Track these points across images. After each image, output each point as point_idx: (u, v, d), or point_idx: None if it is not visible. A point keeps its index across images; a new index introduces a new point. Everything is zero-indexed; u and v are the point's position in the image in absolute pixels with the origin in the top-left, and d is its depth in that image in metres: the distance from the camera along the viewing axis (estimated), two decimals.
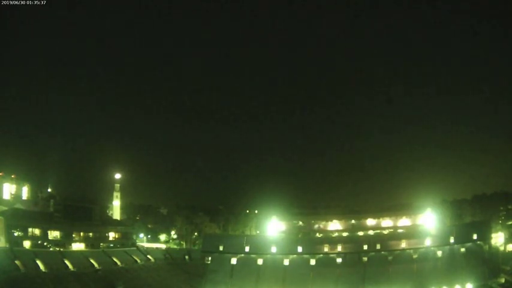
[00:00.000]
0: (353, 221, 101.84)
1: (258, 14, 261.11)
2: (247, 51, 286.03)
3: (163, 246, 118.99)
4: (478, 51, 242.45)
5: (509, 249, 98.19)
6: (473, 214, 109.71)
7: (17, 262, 74.07)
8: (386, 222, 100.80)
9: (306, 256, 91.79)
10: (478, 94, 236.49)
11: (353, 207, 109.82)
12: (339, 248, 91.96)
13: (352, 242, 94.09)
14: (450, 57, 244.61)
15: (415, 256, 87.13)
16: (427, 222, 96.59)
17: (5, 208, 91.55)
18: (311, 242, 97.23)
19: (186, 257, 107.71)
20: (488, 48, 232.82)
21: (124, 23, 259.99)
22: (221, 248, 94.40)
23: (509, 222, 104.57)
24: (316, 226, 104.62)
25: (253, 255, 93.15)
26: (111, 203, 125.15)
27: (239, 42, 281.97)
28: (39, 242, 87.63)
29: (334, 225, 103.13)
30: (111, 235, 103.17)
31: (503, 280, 78.87)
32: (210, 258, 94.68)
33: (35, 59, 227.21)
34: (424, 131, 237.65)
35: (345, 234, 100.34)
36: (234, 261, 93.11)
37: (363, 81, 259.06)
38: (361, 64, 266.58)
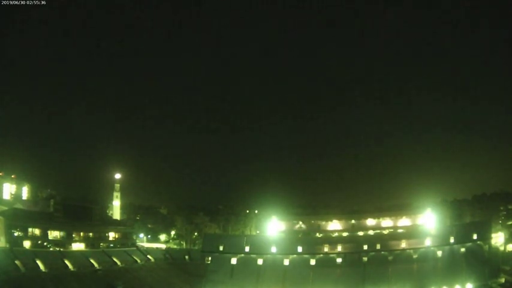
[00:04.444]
0: (353, 221, 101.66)
1: (258, 17, 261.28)
2: (248, 55, 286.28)
3: (163, 246, 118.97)
4: (478, 53, 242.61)
5: (509, 249, 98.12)
6: (473, 214, 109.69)
7: (17, 262, 74.00)
8: (386, 222, 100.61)
9: (306, 256, 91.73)
10: (478, 95, 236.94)
11: (353, 207, 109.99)
12: (339, 248, 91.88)
13: (352, 242, 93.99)
14: (450, 59, 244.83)
15: (415, 256, 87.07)
16: (427, 222, 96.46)
17: (5, 208, 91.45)
18: (311, 242, 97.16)
19: (186, 257, 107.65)
20: (488, 51, 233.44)
21: (124, 25, 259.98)
22: (221, 248, 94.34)
23: (509, 222, 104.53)
24: (316, 226, 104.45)
25: (253, 255, 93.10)
26: (111, 203, 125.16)
27: (240, 46, 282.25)
28: (39, 242, 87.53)
29: (334, 225, 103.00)
30: (111, 235, 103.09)
31: (503, 280, 78.77)
32: (210, 258, 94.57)
33: (36, 60, 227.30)
34: (424, 132, 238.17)
35: (345, 234, 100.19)
36: (234, 261, 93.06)
37: (362, 83, 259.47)
38: (360, 67, 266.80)
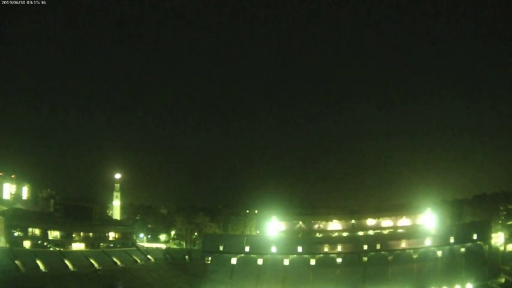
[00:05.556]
0: (353, 221, 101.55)
1: (259, 18, 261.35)
2: (249, 55, 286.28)
3: (163, 246, 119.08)
4: (479, 53, 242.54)
5: (509, 249, 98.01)
6: (473, 214, 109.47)
7: (17, 262, 74.16)
8: (386, 222, 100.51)
9: (306, 256, 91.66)
10: (478, 96, 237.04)
11: (353, 207, 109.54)
12: (339, 248, 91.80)
13: (352, 242, 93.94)
14: (450, 60, 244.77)
15: (415, 256, 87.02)
16: (427, 222, 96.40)
17: (5, 208, 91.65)
18: (311, 242, 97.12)
19: (186, 257, 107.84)
20: (488, 51, 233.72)
21: (125, 25, 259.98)
22: (221, 248, 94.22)
23: (509, 222, 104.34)
24: (316, 226, 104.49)
25: (253, 255, 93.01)
26: (111, 203, 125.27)
27: (240, 46, 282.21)
28: (39, 242, 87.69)
29: (334, 225, 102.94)
30: (111, 235, 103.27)
31: (503, 280, 78.72)
32: (210, 258, 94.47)
33: (36, 59, 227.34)
34: (424, 132, 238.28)
35: (345, 234, 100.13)
36: (234, 261, 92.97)
37: (363, 83, 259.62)
38: (360, 67, 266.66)
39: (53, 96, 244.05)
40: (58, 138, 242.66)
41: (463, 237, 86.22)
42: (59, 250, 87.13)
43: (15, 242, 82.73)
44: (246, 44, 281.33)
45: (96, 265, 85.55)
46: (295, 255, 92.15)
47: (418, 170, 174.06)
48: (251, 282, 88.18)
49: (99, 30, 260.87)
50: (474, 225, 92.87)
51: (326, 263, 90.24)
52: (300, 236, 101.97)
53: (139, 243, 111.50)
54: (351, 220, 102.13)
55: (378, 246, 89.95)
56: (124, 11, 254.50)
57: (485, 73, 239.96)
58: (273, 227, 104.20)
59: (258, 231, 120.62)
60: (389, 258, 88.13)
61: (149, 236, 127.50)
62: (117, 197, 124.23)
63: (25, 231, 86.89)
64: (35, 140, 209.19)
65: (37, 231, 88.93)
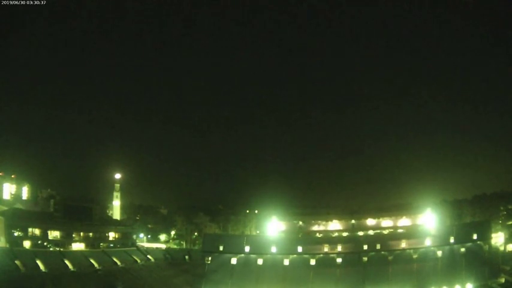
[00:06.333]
0: (353, 221, 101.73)
1: (258, 19, 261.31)
2: (248, 57, 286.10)
3: (163, 246, 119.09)
4: (477, 55, 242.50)
5: (509, 249, 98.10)
6: (473, 214, 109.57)
7: (17, 262, 74.14)
8: (386, 222, 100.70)
9: (306, 256, 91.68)
10: (478, 96, 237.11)
11: (353, 207, 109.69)
12: (339, 248, 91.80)
13: (352, 242, 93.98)
14: (451, 61, 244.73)
15: (415, 256, 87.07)
16: (427, 222, 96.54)
17: (5, 208, 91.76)
18: (311, 242, 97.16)
19: (186, 257, 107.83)
20: (487, 51, 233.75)
21: (127, 24, 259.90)
22: (221, 248, 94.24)
23: (509, 222, 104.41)
24: (316, 226, 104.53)
25: (253, 255, 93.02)
26: (111, 203, 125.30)
27: (240, 46, 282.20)
28: (39, 242, 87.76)
29: (334, 225, 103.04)
30: (111, 235, 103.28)
31: (503, 280, 78.85)
32: (210, 258, 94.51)
33: (36, 59, 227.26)
34: (424, 132, 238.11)
35: (345, 234, 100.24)
36: (234, 261, 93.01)
37: (363, 84, 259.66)
38: (361, 67, 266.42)
39: (53, 96, 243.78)
40: (58, 138, 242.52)
41: (463, 237, 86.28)
42: (59, 250, 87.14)
43: (15, 242, 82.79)
44: (246, 43, 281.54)
45: (96, 265, 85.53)
46: (295, 255, 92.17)
47: (418, 170, 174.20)
48: (251, 282, 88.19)
49: (99, 30, 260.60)
50: (474, 225, 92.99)
51: (326, 263, 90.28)
52: (300, 236, 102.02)
53: (139, 243, 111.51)
54: (351, 220, 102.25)
55: (378, 246, 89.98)
56: (124, 11, 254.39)
57: (485, 73, 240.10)
58: (273, 227, 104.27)
59: (258, 231, 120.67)
60: (390, 258, 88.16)
61: (149, 236, 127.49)
62: (117, 197, 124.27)
63: (25, 231, 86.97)
64: (35, 140, 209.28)
65: (37, 231, 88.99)
